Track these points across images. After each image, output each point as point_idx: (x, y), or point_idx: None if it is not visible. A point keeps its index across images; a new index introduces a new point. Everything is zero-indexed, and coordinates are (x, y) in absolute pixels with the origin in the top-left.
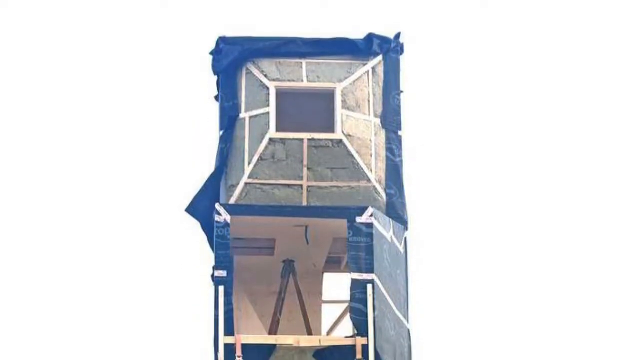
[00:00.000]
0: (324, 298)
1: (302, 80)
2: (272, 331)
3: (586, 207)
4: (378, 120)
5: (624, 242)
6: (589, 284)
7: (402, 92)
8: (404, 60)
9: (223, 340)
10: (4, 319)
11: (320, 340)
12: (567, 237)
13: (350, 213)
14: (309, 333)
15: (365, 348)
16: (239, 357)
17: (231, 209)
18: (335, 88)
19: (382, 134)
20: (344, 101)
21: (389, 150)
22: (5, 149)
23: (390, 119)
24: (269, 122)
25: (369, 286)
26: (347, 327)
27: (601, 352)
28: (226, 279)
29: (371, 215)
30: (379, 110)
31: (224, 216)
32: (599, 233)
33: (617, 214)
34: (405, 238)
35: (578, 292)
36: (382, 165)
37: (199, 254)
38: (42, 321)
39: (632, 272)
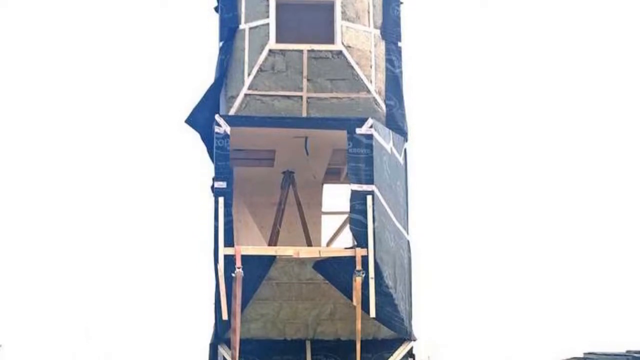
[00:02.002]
0: (324, 209)
1: None
2: (272, 242)
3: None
4: (378, 32)
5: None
6: (582, 193)
7: (401, 2)
8: None
9: (223, 251)
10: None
11: (319, 252)
12: (561, 147)
13: (350, 124)
14: (309, 244)
15: (364, 259)
16: (238, 268)
17: (231, 120)
18: None
19: (382, 45)
20: (343, 12)
21: (389, 61)
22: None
23: (390, 30)
24: (268, 33)
25: (369, 197)
26: (346, 238)
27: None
28: (226, 190)
29: (371, 127)
30: (379, 22)
31: (223, 127)
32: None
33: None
34: (405, 149)
35: (571, 193)
36: (382, 76)
37: (199, 165)
38: (50, 229)
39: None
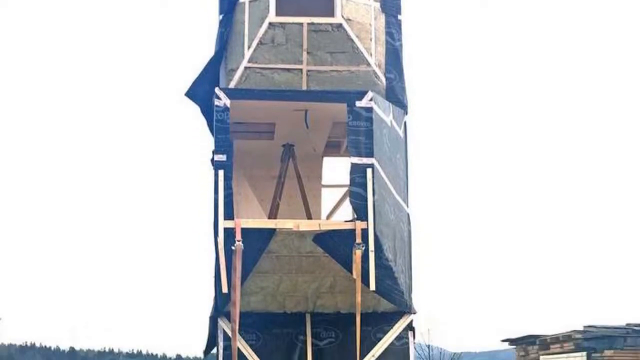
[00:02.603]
0: (324, 182)
1: None
2: (272, 215)
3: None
4: (378, 4)
5: None
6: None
7: None
8: None
9: (223, 224)
10: None
11: (319, 225)
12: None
13: (350, 97)
14: (309, 217)
15: (364, 232)
16: (238, 241)
17: (231, 93)
18: None
19: (382, 18)
20: None
21: (389, 34)
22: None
23: (390, 3)
24: (268, 6)
25: (369, 170)
26: (346, 211)
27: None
28: (226, 163)
29: (371, 99)
30: None
31: (223, 100)
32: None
33: None
34: (405, 122)
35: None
36: (382, 49)
37: (199, 138)
38: (51, 206)
39: None
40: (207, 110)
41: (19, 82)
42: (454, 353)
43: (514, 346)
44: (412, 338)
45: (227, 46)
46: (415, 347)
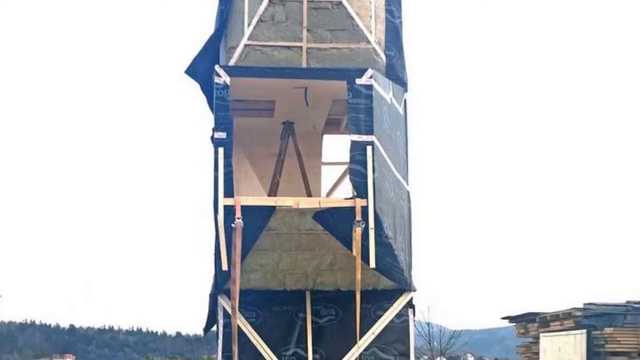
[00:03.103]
0: (324, 159)
1: None
2: (272, 193)
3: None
4: None
5: None
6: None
7: None
8: None
9: (222, 201)
10: None
11: (319, 202)
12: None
13: (350, 74)
14: (309, 195)
15: (364, 210)
16: (238, 218)
17: (231, 71)
18: None
19: None
20: None
21: (389, 11)
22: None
23: None
24: None
25: (369, 148)
26: (346, 189)
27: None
28: (225, 140)
29: (371, 77)
30: None
31: (223, 78)
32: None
33: None
34: (405, 99)
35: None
36: (382, 26)
37: (199, 116)
38: (51, 183)
39: None
40: (207, 88)
41: (21, 68)
42: (454, 330)
43: (514, 324)
44: (412, 315)
45: (227, 24)
46: (415, 325)
